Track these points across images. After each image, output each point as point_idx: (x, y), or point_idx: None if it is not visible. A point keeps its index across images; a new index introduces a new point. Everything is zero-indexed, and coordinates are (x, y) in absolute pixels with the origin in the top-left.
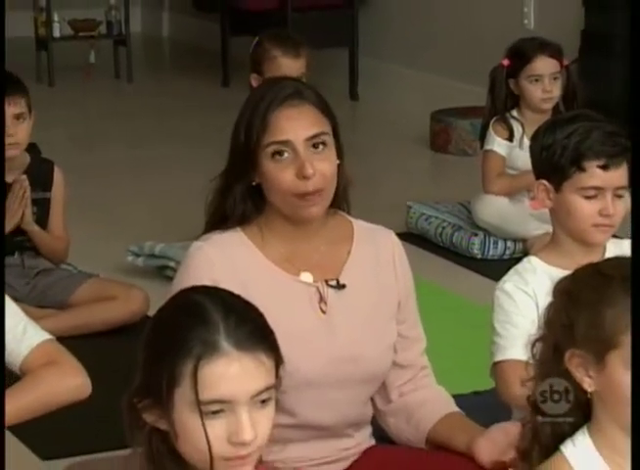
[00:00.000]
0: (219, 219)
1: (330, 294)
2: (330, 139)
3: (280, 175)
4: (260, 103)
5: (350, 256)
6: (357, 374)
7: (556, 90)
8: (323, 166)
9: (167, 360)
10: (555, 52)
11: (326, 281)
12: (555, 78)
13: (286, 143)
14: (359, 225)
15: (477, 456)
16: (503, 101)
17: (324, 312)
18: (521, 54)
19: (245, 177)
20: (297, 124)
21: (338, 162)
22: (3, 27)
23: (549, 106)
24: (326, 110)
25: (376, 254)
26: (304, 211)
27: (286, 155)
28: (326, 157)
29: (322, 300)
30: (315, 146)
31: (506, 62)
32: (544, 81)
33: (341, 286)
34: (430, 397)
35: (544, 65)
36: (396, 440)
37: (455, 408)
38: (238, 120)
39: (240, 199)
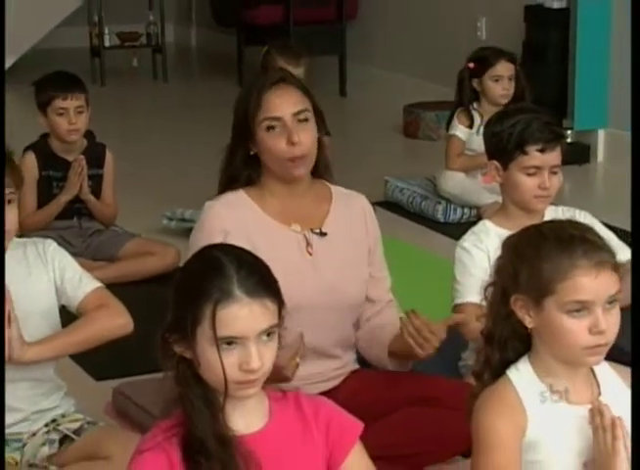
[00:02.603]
0: (227, 182)
1: (314, 240)
2: (311, 115)
3: (273, 144)
4: (254, 87)
5: (330, 212)
6: (337, 302)
7: (512, 88)
8: (306, 136)
9: (192, 304)
10: (511, 58)
11: (311, 230)
12: (510, 79)
13: (277, 119)
14: (337, 190)
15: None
16: (467, 96)
17: (310, 254)
18: (484, 59)
19: (244, 148)
20: (285, 103)
21: (318, 134)
22: (3, 28)
23: (506, 100)
24: (306, 92)
25: (350, 211)
26: (294, 172)
27: (277, 128)
28: (308, 129)
29: (308, 244)
30: (300, 120)
31: (472, 65)
32: (504, 81)
33: (323, 233)
34: (389, 320)
35: (504, 68)
36: (368, 358)
37: None
38: (237, 101)
39: (243, 166)
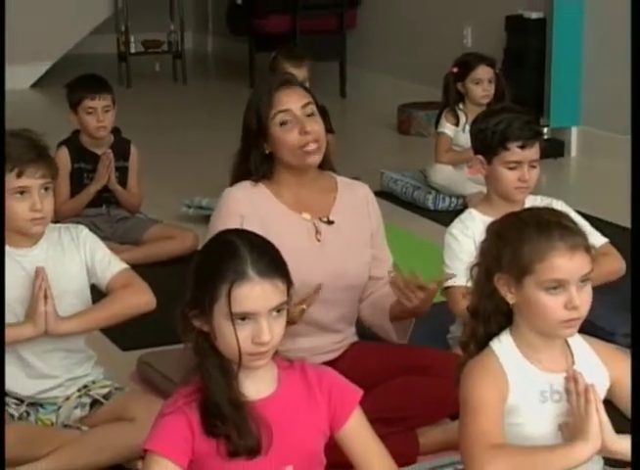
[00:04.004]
0: (241, 178)
1: (323, 227)
2: (316, 110)
3: (288, 136)
4: (264, 90)
5: (336, 201)
6: (344, 282)
7: (492, 90)
8: (315, 126)
9: (209, 283)
10: (491, 62)
11: (320, 218)
12: (490, 82)
13: (287, 111)
14: (341, 180)
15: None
16: (453, 97)
17: (319, 241)
18: (466, 64)
19: (259, 147)
20: (292, 98)
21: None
22: (3, 28)
23: (486, 101)
24: (309, 91)
25: (354, 200)
26: (308, 159)
27: (289, 123)
28: (316, 121)
29: (317, 232)
30: (308, 115)
31: (455, 69)
32: (484, 83)
33: (330, 222)
34: (390, 291)
35: (484, 71)
36: (370, 325)
37: None
38: (249, 105)
39: (259, 163)
